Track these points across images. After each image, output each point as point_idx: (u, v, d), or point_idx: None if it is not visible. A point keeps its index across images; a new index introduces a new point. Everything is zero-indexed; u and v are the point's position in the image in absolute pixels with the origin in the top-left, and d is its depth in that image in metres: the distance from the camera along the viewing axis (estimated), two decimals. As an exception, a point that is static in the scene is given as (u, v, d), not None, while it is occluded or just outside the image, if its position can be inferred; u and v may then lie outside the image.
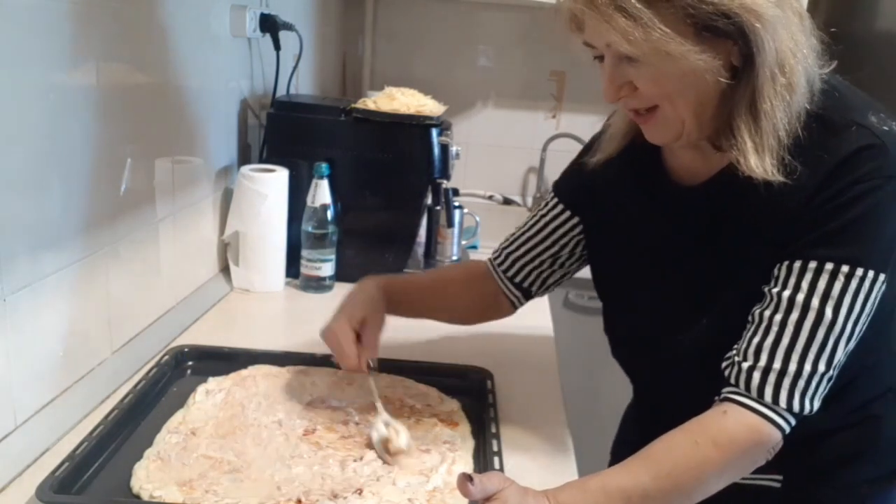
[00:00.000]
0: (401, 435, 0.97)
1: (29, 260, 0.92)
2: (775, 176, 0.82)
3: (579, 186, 1.07)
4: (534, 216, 1.13)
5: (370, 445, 0.99)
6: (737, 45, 0.79)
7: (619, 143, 0.99)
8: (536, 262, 1.12)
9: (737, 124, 0.82)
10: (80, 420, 1.04)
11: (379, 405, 1.02)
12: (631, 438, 0.98)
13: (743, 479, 0.93)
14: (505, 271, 1.14)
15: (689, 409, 0.87)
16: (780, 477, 0.98)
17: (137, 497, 0.87)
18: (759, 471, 0.89)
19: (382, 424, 0.99)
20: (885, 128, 0.83)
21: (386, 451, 0.96)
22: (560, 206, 1.10)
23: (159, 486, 0.88)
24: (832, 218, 0.82)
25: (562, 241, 1.10)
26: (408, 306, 1.16)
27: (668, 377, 1.01)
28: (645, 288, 1.00)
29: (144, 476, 0.90)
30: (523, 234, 1.12)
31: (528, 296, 1.15)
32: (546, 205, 1.11)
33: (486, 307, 1.18)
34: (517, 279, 1.13)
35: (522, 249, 1.12)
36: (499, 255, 1.15)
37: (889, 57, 1.93)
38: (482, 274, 1.16)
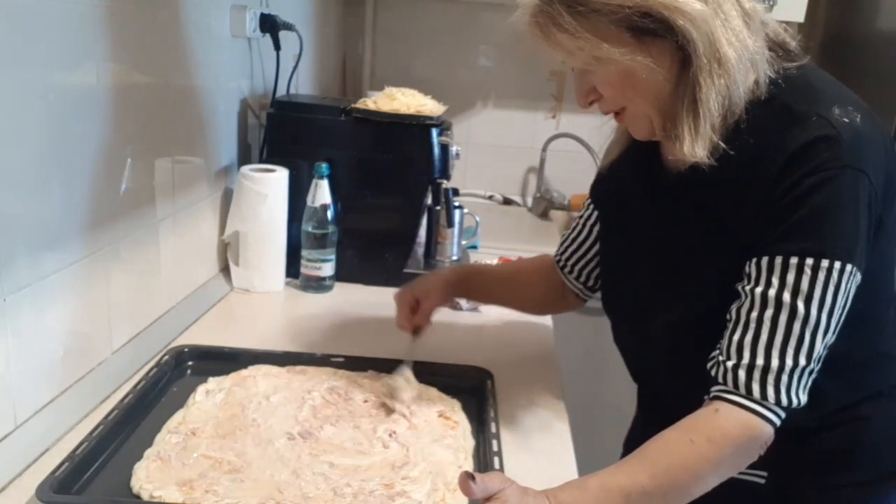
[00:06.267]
0: (407, 391, 1.10)
1: (29, 260, 0.92)
2: (705, 160, 0.86)
3: (600, 184, 1.15)
4: (579, 216, 1.22)
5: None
6: (671, 40, 0.83)
7: (623, 144, 1.05)
8: (584, 259, 1.20)
9: (678, 113, 0.86)
10: (80, 420, 1.04)
11: (406, 366, 1.15)
12: (637, 437, 1.01)
13: None
14: (562, 268, 1.23)
15: (676, 398, 0.90)
16: (764, 473, 0.98)
17: (137, 497, 0.87)
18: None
19: (402, 378, 1.12)
20: (846, 119, 0.84)
21: (392, 398, 1.09)
22: (592, 206, 1.18)
23: (159, 486, 0.88)
24: (792, 211, 0.83)
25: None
26: (484, 291, 1.31)
27: (652, 359, 1.04)
28: (637, 270, 1.03)
29: (144, 476, 0.90)
30: (571, 232, 1.22)
31: (590, 289, 1.23)
32: (586, 205, 1.20)
33: (556, 299, 1.27)
34: (573, 275, 1.22)
35: (572, 248, 1.22)
36: (557, 253, 1.25)
37: (889, 57, 1.93)
38: (551, 267, 1.25)
